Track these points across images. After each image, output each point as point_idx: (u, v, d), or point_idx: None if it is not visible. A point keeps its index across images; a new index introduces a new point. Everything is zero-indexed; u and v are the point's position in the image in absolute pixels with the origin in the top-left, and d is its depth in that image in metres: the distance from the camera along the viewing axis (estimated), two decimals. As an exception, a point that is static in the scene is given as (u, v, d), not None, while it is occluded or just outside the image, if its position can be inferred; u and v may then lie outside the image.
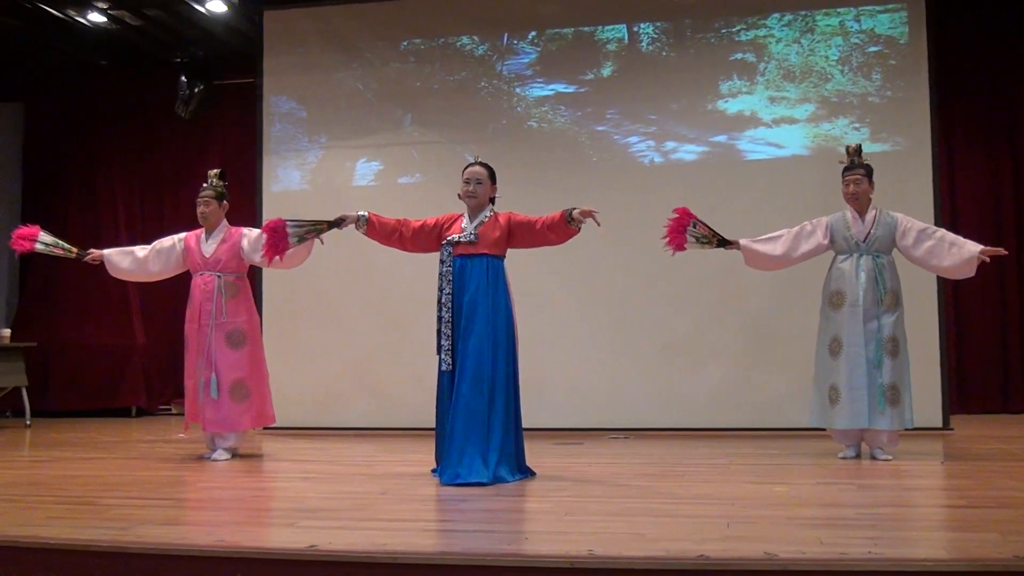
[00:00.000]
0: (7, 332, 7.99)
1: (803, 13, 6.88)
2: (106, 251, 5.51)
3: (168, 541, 3.02)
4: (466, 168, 4.53)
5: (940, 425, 6.33)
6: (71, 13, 7.87)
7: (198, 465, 5.10)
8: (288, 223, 4.60)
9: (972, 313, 7.83)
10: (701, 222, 4.86)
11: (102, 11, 7.86)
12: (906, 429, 4.95)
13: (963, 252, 4.84)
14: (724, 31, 7.00)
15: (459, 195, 4.51)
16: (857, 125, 6.67)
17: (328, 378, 7.22)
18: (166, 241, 5.52)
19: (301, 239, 4.62)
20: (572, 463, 5.10)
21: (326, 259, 7.17)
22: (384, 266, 7.06)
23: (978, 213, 7.86)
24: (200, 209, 5.44)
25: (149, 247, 5.52)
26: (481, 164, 4.52)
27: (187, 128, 8.87)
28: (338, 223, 4.57)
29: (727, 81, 6.95)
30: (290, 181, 7.54)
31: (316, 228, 4.61)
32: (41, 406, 8.41)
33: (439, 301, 4.38)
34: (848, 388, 4.88)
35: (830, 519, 3.32)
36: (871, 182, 5.05)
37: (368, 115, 7.46)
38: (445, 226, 4.50)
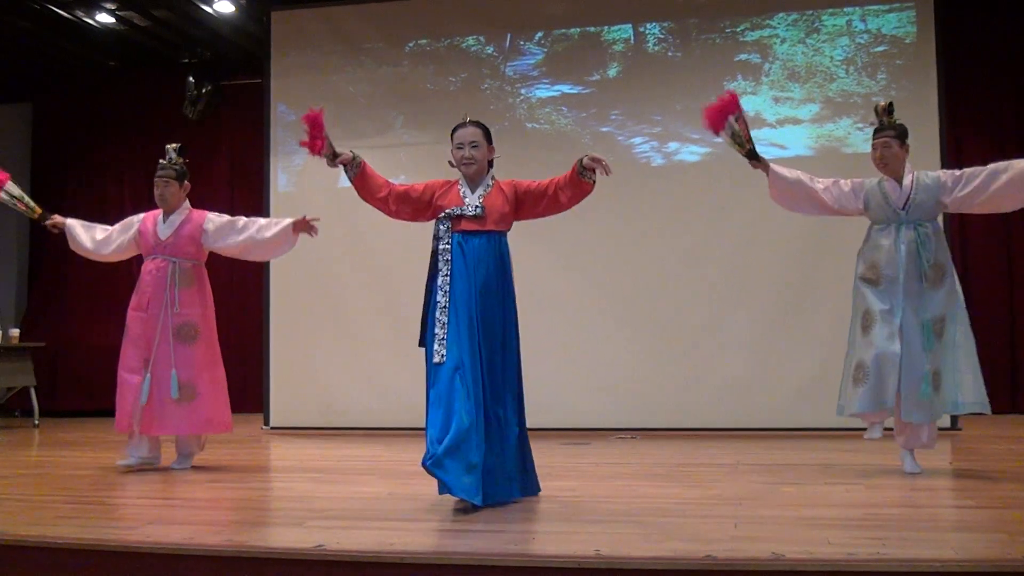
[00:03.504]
0: (16, 332, 8.01)
1: (809, 13, 6.86)
2: (69, 220, 5.04)
3: (176, 541, 3.04)
4: (456, 130, 3.85)
5: (949, 425, 6.31)
6: (79, 14, 7.89)
7: (205, 466, 5.10)
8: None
9: (980, 311, 7.74)
10: (744, 119, 4.32)
11: (110, 12, 7.87)
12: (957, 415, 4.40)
13: (1017, 166, 4.18)
14: (729, 31, 6.98)
15: (450, 162, 3.89)
16: (861, 125, 6.63)
17: (335, 378, 7.23)
18: (127, 221, 5.05)
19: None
20: (579, 463, 5.10)
21: (332, 257, 7.23)
22: (390, 265, 7.08)
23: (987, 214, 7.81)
24: (158, 191, 4.87)
25: (112, 227, 5.05)
26: (473, 123, 3.84)
27: (195, 129, 8.89)
28: (331, 157, 3.89)
29: (732, 82, 6.91)
30: (299, 182, 7.54)
31: (322, 144, 3.88)
32: (49, 406, 8.43)
33: (433, 284, 3.72)
34: (876, 366, 4.23)
35: (838, 519, 3.32)
36: (904, 144, 4.40)
37: (374, 115, 7.45)
38: (438, 195, 3.83)
